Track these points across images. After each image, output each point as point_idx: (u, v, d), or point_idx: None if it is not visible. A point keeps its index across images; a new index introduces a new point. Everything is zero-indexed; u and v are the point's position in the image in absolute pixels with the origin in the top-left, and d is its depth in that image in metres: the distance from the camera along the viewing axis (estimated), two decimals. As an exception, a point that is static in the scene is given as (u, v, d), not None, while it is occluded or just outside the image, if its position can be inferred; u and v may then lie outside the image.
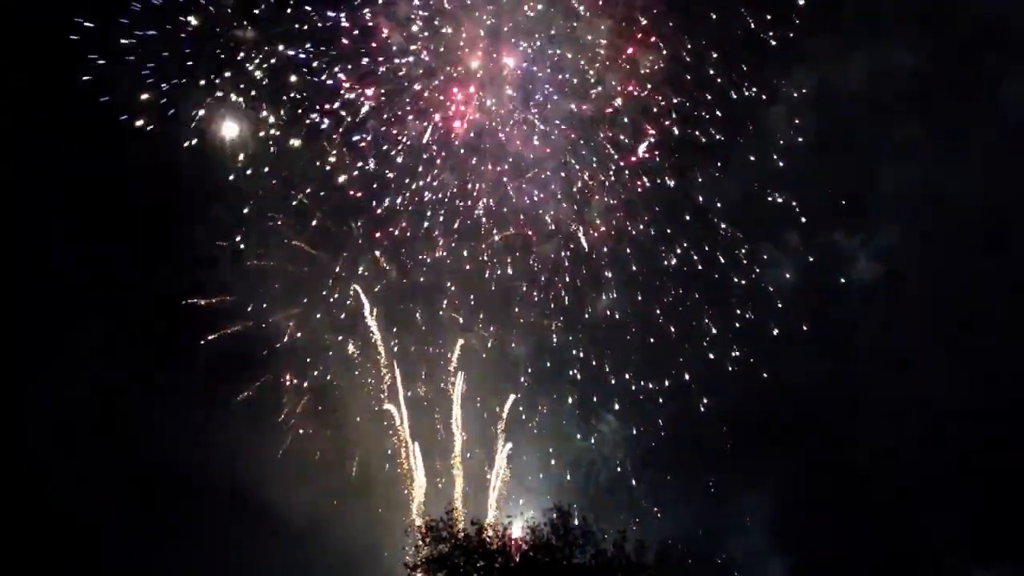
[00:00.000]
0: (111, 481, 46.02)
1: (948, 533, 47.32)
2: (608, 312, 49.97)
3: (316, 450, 49.26)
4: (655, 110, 48.38)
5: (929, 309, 50.06)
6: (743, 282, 50.46)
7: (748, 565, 49.98)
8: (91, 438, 46.78)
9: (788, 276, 50.67)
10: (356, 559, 48.06)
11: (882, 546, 49.01)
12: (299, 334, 49.59)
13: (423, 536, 32.16)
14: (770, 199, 50.13)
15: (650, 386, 50.10)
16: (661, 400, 50.20)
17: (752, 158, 49.33)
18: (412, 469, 48.11)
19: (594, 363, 50.30)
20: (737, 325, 50.41)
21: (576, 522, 31.59)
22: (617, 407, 50.36)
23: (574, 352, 50.41)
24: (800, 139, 48.85)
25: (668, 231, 50.41)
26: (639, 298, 50.28)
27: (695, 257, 50.35)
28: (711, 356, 50.03)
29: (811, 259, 51.16)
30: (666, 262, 50.24)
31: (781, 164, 49.56)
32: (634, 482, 50.56)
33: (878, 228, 51.14)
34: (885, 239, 50.91)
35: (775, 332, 50.02)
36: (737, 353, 50.09)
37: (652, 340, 50.18)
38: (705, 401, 50.32)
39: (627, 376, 50.13)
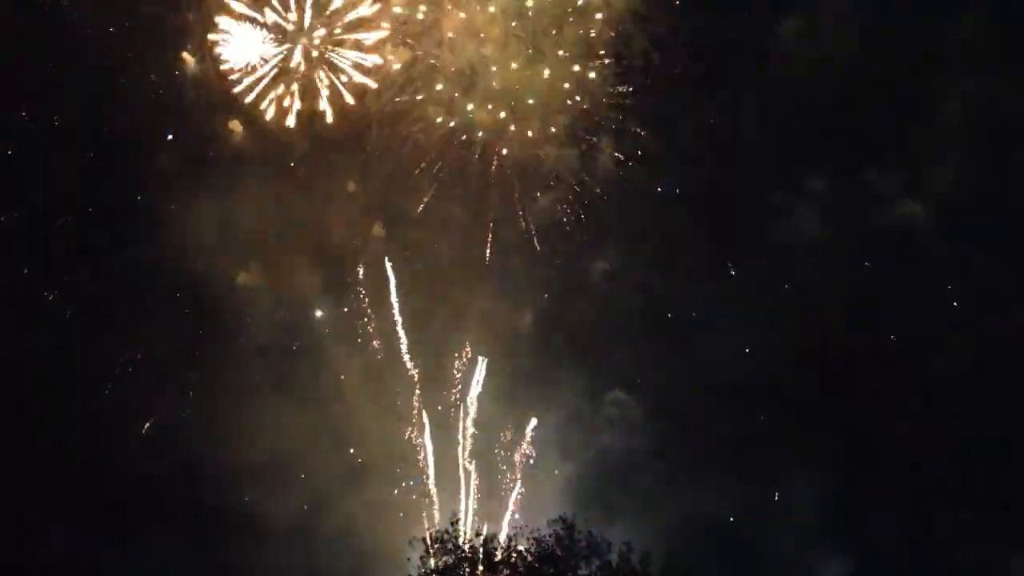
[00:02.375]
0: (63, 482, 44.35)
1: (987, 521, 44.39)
2: (612, 278, 47.81)
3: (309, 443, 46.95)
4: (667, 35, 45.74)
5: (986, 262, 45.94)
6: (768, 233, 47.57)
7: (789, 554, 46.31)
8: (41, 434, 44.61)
9: (815, 223, 47.24)
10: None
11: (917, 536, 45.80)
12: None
13: (428, 547, 32.17)
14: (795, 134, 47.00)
15: (666, 359, 47.21)
16: (679, 374, 47.06)
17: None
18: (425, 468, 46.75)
19: (601, 334, 47.83)
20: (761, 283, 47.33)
21: (581, 533, 31.32)
22: (631, 383, 47.88)
23: (577, 322, 47.90)
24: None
25: (681, 174, 47.88)
26: (648, 262, 47.91)
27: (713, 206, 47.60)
28: (732, 322, 46.94)
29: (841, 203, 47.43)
30: (679, 215, 47.87)
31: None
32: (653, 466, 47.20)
33: (923, 164, 47.12)
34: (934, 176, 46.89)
35: (805, 289, 46.83)
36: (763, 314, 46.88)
37: (664, 307, 47.96)
38: (727, 376, 47.17)
39: (639, 349, 47.63)
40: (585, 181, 47.29)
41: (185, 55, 44.89)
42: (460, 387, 47.03)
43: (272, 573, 45.21)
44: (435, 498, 45.72)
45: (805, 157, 47.28)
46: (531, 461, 46.58)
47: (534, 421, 46.83)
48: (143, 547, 43.53)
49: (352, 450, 46.87)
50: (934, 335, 46.23)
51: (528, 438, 46.53)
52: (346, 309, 47.76)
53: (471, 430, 46.38)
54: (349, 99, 44.40)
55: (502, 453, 46.26)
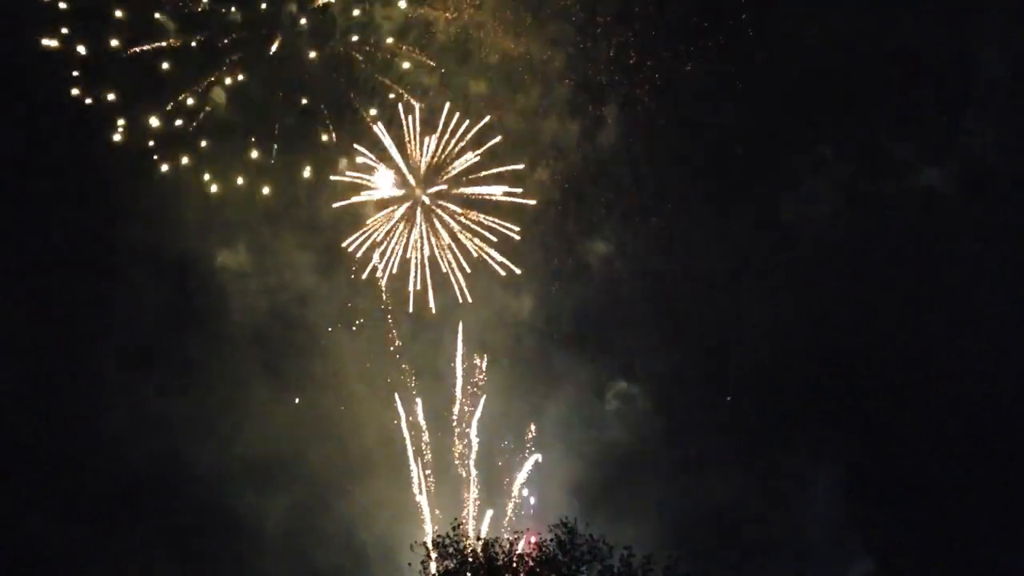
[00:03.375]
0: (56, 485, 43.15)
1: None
2: (612, 260, 45.57)
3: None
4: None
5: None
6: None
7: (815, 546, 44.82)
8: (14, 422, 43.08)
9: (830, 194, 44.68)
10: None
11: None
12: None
13: (429, 552, 31.81)
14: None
15: (672, 346, 45.33)
16: (688, 360, 45.33)
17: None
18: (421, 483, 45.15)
19: (602, 321, 46.03)
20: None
21: (583, 537, 30.71)
22: (635, 373, 46.07)
23: (577, 308, 46.00)
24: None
25: (688, 146, 45.61)
26: (652, 242, 45.92)
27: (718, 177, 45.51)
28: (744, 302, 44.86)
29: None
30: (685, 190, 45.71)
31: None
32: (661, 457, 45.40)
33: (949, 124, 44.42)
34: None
35: (820, 267, 44.33)
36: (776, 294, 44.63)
37: (669, 290, 45.70)
38: (738, 364, 45.38)
39: (643, 336, 45.69)
40: (588, 155, 45.69)
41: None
42: (458, 382, 45.51)
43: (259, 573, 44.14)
44: (423, 501, 44.55)
45: (820, 123, 45.15)
46: (538, 460, 45.29)
47: (533, 427, 45.62)
48: (119, 540, 42.35)
49: (346, 446, 45.25)
50: (962, 314, 43.95)
51: (530, 435, 45.41)
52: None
53: (472, 428, 45.03)
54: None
55: (505, 456, 45.14)
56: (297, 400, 45.98)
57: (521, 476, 45.14)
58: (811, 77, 44.09)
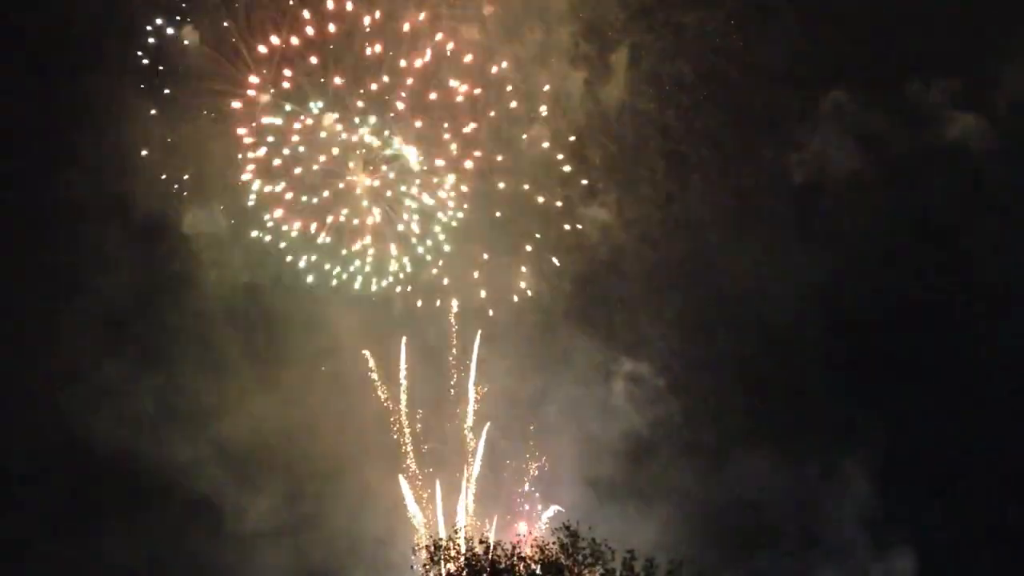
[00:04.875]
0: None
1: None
2: (614, 229, 42.75)
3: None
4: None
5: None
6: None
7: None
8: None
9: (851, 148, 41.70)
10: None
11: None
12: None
13: (431, 555, 31.96)
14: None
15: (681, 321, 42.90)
16: (701, 335, 42.75)
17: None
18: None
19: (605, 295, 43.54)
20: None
21: (585, 540, 30.51)
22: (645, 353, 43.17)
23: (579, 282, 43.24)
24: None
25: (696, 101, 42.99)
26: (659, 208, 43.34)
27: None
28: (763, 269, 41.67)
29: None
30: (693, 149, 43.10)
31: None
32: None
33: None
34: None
35: (841, 232, 41.70)
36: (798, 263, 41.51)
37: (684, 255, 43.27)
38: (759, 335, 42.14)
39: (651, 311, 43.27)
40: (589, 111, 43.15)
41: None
42: (456, 372, 43.48)
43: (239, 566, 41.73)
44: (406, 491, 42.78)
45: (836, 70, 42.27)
46: (545, 465, 43.16)
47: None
48: (82, 522, 40.50)
49: (333, 433, 42.68)
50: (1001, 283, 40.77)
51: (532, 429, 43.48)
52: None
53: (470, 416, 42.95)
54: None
55: (509, 459, 43.01)
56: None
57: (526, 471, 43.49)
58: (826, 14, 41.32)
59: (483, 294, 43.09)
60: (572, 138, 42.80)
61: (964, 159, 41.26)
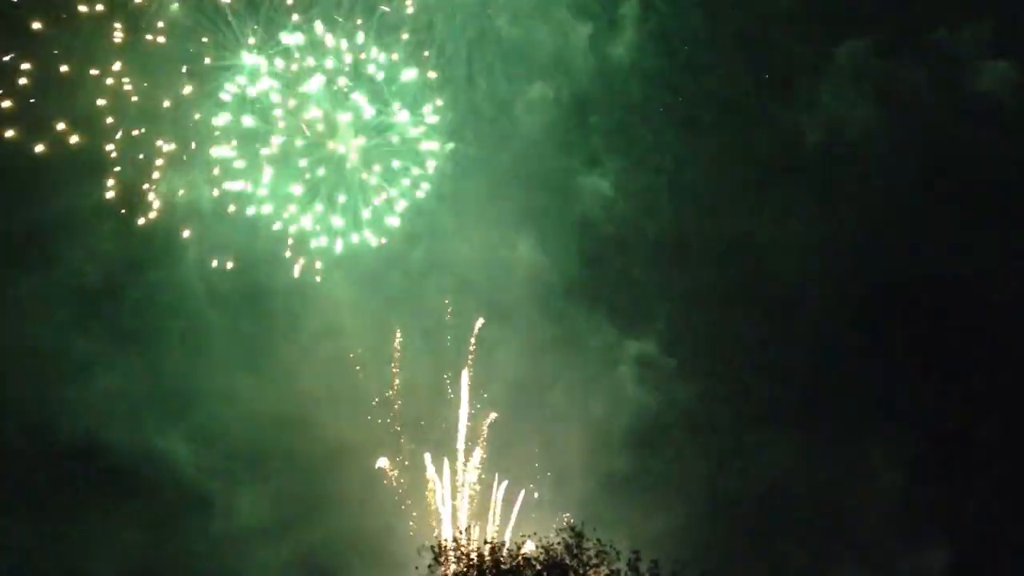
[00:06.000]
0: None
1: None
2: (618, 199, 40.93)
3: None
4: None
5: None
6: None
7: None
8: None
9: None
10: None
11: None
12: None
13: (437, 556, 31.21)
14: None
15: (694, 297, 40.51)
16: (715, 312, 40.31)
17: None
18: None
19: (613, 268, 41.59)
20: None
21: (590, 541, 29.91)
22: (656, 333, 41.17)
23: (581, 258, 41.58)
24: None
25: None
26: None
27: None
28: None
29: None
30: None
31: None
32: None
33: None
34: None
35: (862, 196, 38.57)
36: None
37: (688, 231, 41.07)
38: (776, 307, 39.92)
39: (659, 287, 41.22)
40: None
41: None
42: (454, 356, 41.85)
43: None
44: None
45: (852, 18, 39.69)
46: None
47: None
48: (44, 510, 37.86)
49: (325, 427, 40.84)
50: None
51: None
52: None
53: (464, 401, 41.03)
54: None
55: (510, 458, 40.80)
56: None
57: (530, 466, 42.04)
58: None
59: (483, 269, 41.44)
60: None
61: (993, 112, 38.76)
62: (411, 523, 41.13)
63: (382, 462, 41.44)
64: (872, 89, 40.54)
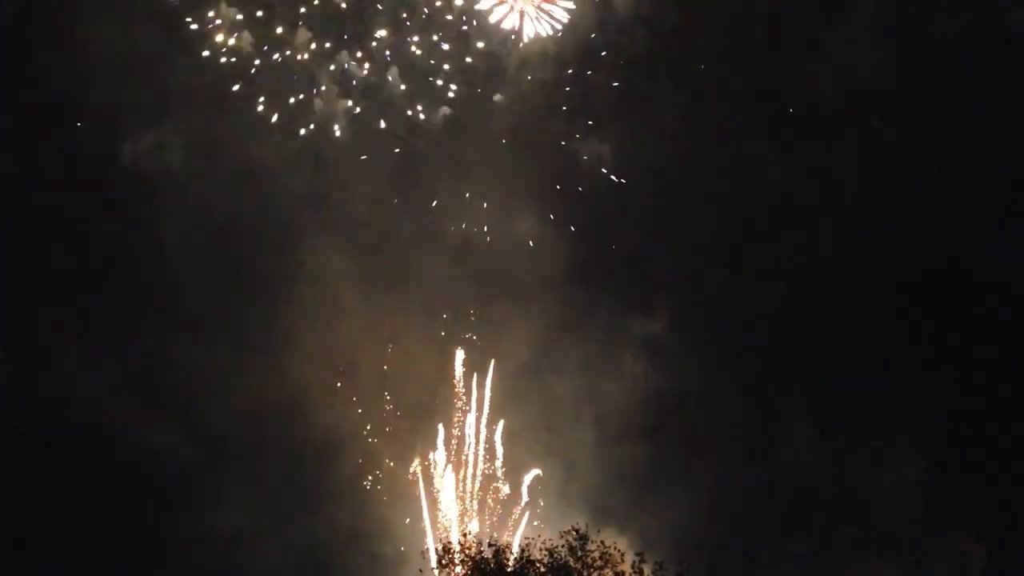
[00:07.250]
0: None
1: None
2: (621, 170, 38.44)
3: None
4: None
5: None
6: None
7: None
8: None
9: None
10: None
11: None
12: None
13: (440, 559, 31.87)
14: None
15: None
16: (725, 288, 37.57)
17: None
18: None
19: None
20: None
21: (594, 543, 30.22)
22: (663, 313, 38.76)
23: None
24: None
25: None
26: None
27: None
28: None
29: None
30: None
31: None
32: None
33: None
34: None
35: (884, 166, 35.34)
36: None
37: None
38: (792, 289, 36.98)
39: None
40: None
41: None
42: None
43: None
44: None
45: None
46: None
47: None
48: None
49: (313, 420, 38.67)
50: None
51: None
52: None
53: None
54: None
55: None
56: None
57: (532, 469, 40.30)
58: None
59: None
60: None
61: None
62: (407, 519, 39.71)
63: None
64: (884, 32, 37.01)
